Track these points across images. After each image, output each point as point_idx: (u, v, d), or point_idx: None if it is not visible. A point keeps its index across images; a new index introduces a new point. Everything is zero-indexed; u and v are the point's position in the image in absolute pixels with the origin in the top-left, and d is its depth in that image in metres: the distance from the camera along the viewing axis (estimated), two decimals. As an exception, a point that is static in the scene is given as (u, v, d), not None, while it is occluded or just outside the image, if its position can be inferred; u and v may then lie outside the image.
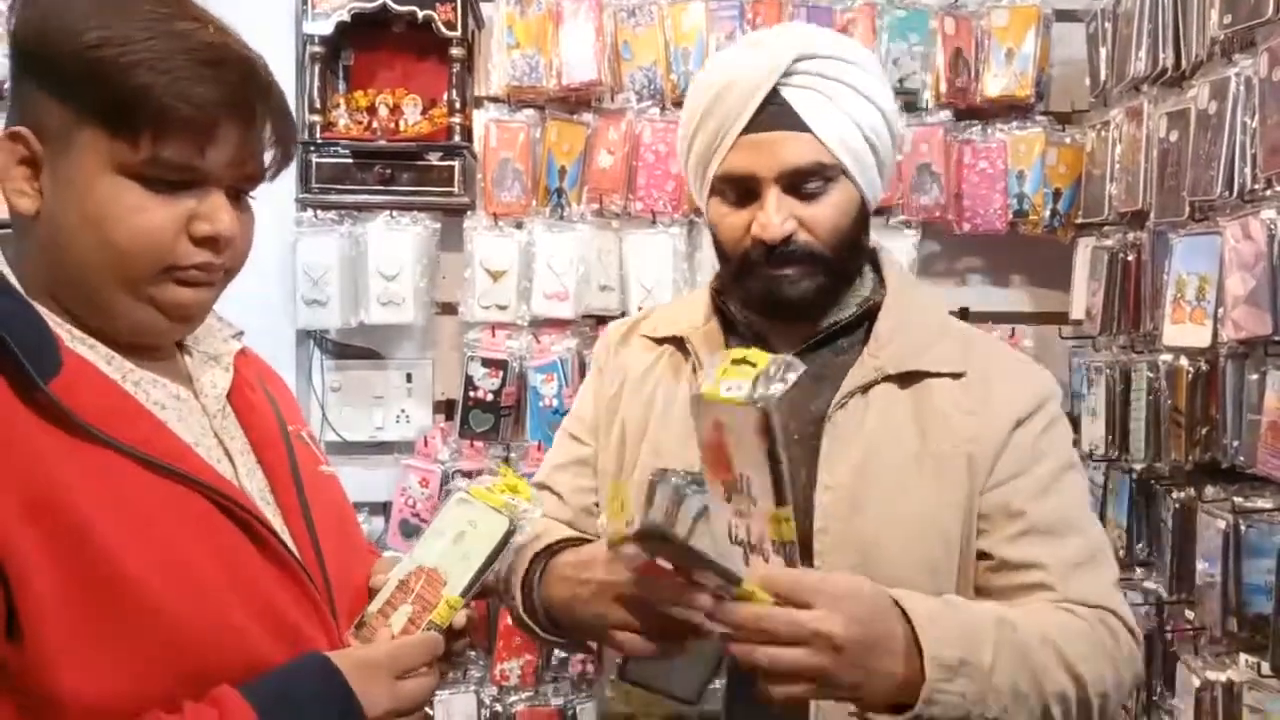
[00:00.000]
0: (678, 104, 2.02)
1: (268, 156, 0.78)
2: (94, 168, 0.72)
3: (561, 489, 1.14)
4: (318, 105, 2.02)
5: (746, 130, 0.95)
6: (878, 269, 1.08)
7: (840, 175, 0.96)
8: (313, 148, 2.02)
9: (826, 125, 0.94)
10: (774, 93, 0.94)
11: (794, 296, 0.98)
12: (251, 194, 0.81)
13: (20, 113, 0.74)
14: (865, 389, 0.99)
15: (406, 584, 0.83)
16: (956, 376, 0.99)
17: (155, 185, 0.73)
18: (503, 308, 2.05)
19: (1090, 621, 0.92)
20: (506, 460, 2.08)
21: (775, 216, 0.94)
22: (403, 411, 2.19)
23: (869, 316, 1.03)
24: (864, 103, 0.96)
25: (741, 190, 0.98)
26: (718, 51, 1.05)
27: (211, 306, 0.82)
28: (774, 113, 0.94)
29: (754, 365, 0.77)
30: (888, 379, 0.99)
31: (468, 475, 2.05)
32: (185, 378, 0.83)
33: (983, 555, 0.97)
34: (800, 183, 0.95)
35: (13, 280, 0.75)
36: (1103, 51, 1.95)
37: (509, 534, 0.84)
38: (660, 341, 1.11)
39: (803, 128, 0.94)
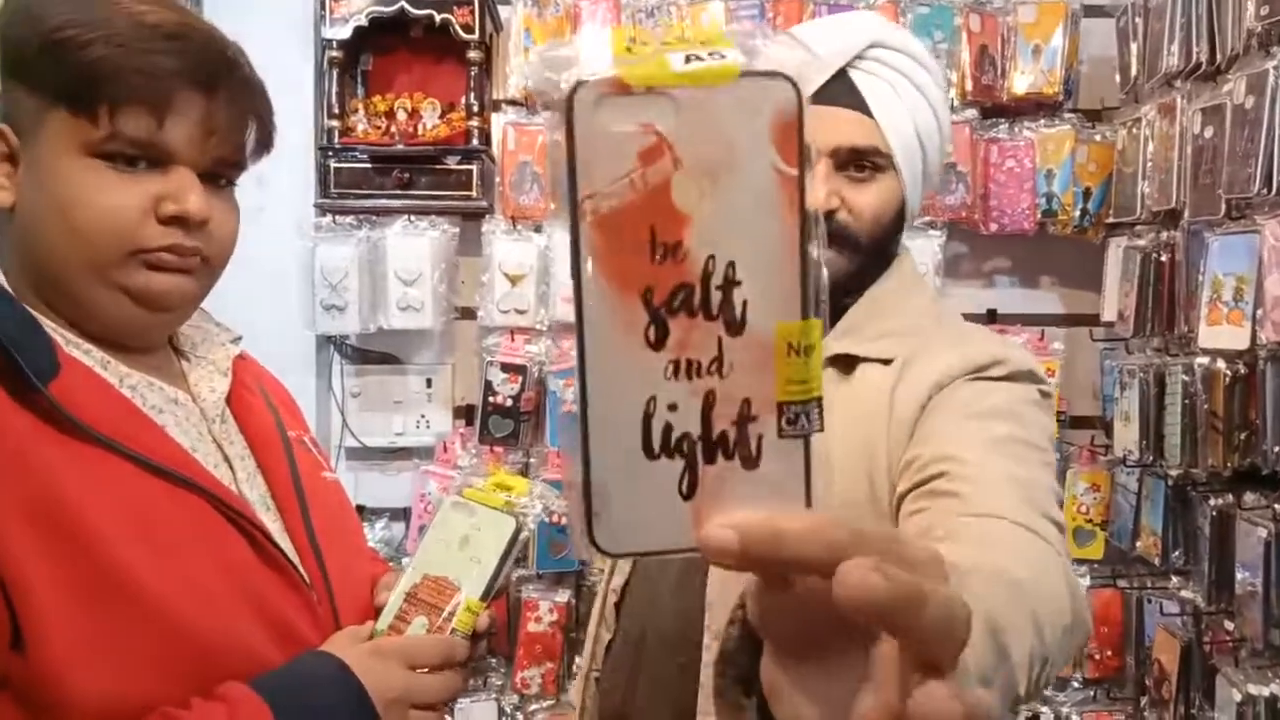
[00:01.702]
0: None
1: (244, 139, 0.77)
2: (60, 151, 0.71)
3: None
4: (336, 110, 2.02)
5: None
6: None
7: (890, 167, 0.96)
8: (331, 153, 2.02)
9: (887, 114, 0.95)
10: (842, 73, 0.95)
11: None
12: (233, 182, 0.80)
13: (3, 107, 0.74)
14: None
15: (415, 595, 0.81)
16: (886, 362, 0.94)
17: (118, 164, 0.72)
18: (521, 312, 2.04)
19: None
20: (526, 467, 2.07)
21: (822, 186, 0.94)
22: (423, 417, 2.18)
23: None
24: (924, 103, 0.97)
25: None
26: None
27: (195, 299, 0.80)
28: (839, 90, 0.95)
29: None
30: (827, 363, 0.92)
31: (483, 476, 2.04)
32: (183, 382, 0.82)
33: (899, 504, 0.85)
34: (851, 163, 0.95)
35: (3, 282, 0.75)
36: (1133, 46, 1.90)
37: (518, 532, 0.83)
38: None
39: (865, 110, 0.94)
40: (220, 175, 0.78)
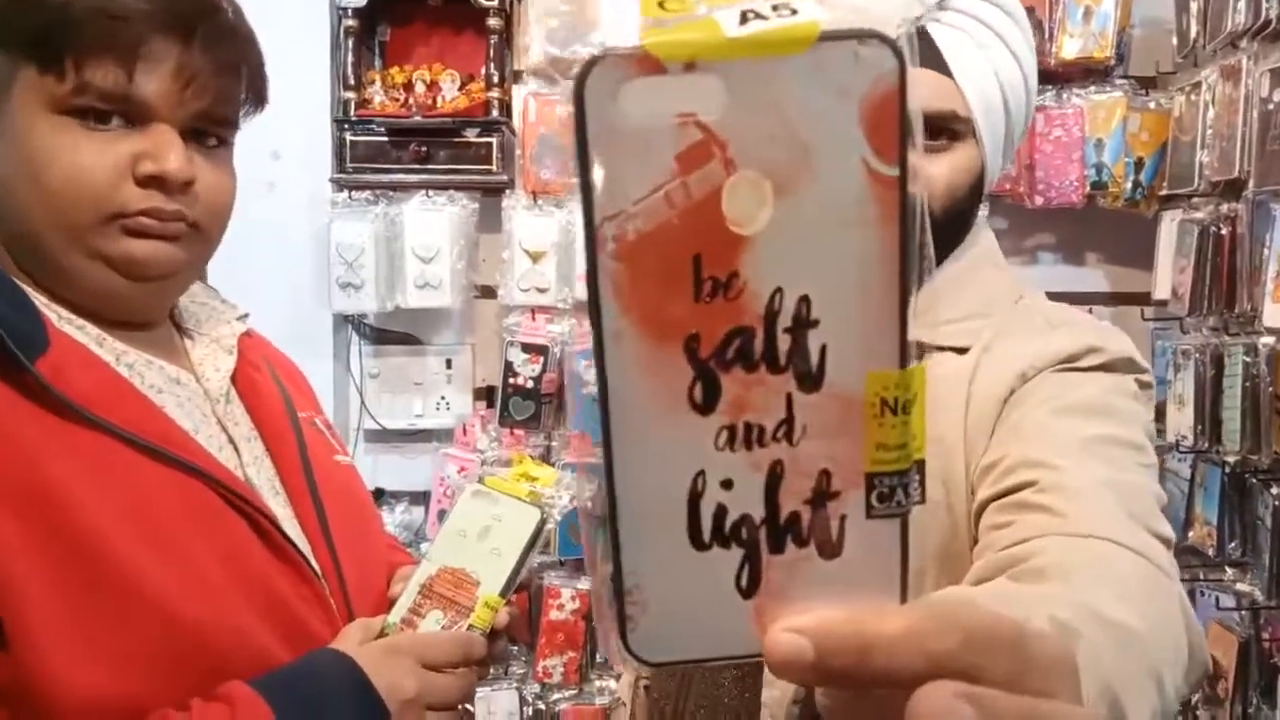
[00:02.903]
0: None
1: (231, 92, 0.72)
2: (30, 110, 0.67)
3: None
4: (352, 82, 1.97)
5: None
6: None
7: (969, 134, 0.86)
8: (347, 126, 1.97)
9: (970, 73, 0.84)
10: (920, 28, 0.84)
11: None
12: (226, 141, 0.75)
13: None
14: None
15: (430, 588, 0.78)
16: (961, 351, 0.85)
17: (90, 120, 0.67)
18: (543, 290, 1.98)
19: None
20: (549, 450, 2.01)
21: None
22: (443, 399, 2.13)
23: None
24: (1009, 57, 0.86)
25: None
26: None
27: (186, 267, 0.74)
28: (916, 46, 0.85)
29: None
30: None
31: (507, 466, 1.99)
32: (185, 361, 0.78)
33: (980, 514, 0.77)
34: (926, 130, 0.84)
35: None
36: (1193, 6, 1.80)
37: (541, 525, 0.79)
38: None
39: (945, 70, 0.84)
40: (208, 133, 0.72)
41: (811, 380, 0.28)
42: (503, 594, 0.77)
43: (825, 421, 0.28)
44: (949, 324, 0.88)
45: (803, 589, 0.29)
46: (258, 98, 0.75)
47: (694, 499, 0.28)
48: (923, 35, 0.85)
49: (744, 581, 0.29)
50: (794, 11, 0.26)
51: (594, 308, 0.28)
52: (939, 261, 0.90)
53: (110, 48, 0.65)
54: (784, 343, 0.27)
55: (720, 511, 0.28)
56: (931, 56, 0.84)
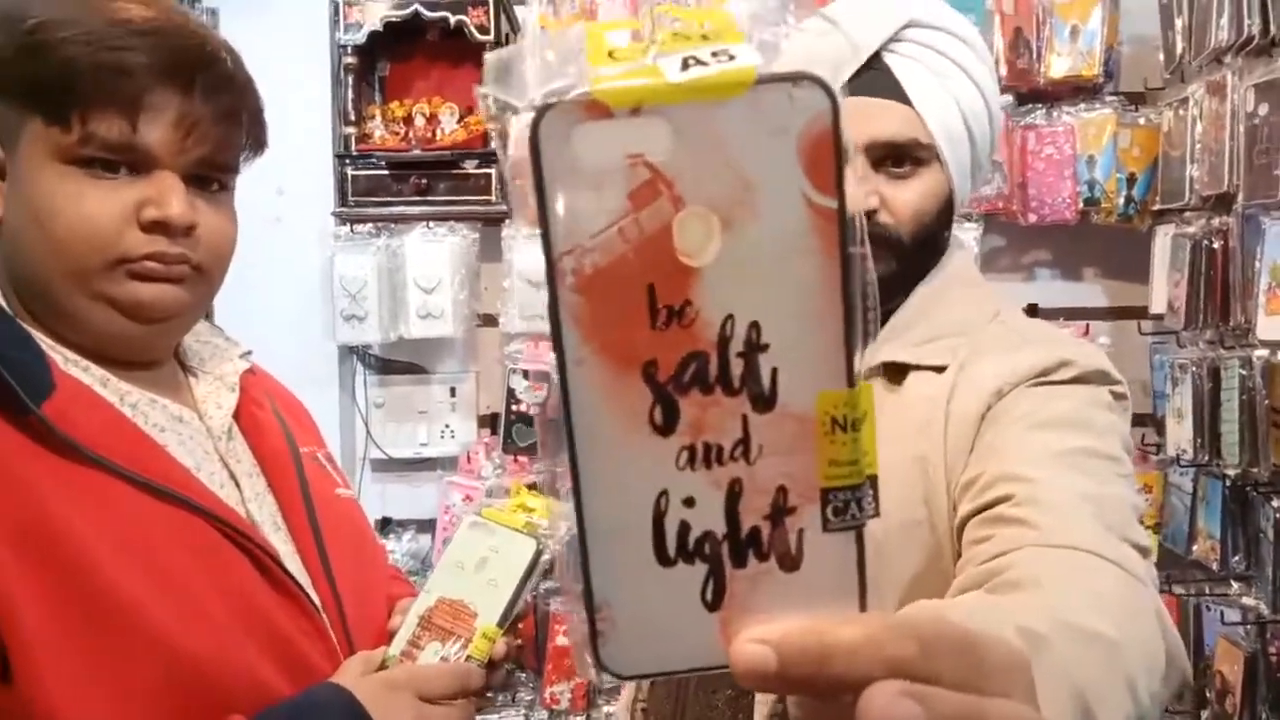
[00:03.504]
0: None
1: (231, 139, 0.74)
2: (37, 160, 0.69)
3: None
4: (353, 118, 2.00)
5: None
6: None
7: (933, 159, 0.88)
8: (348, 160, 2.00)
9: (929, 101, 0.87)
10: (877, 57, 0.87)
11: None
12: (227, 186, 0.76)
13: None
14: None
15: (429, 620, 0.78)
16: (939, 370, 0.87)
17: (95, 169, 0.69)
18: (544, 318, 1.99)
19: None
20: (553, 476, 2.02)
21: (860, 187, 0.87)
22: (447, 426, 2.15)
23: None
24: (970, 85, 0.88)
25: None
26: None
27: (189, 309, 0.76)
28: (874, 78, 0.87)
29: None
30: (874, 373, 0.89)
31: (508, 493, 2.00)
32: (189, 398, 0.80)
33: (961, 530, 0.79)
34: (890, 158, 0.88)
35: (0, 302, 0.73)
36: (1178, 22, 1.81)
37: (538, 555, 0.79)
38: None
39: (904, 99, 0.86)
40: (209, 179, 0.74)
41: (765, 401, 0.29)
42: (500, 624, 0.77)
43: (780, 440, 0.29)
44: (927, 344, 0.89)
45: (765, 601, 0.30)
46: (257, 143, 0.77)
47: (658, 517, 0.30)
48: (881, 67, 0.87)
49: (709, 595, 0.30)
50: (732, 57, 0.28)
51: (556, 337, 0.29)
52: (913, 284, 0.92)
53: (114, 100, 0.67)
54: (737, 366, 0.29)
55: (684, 528, 0.30)
56: (890, 87, 0.86)
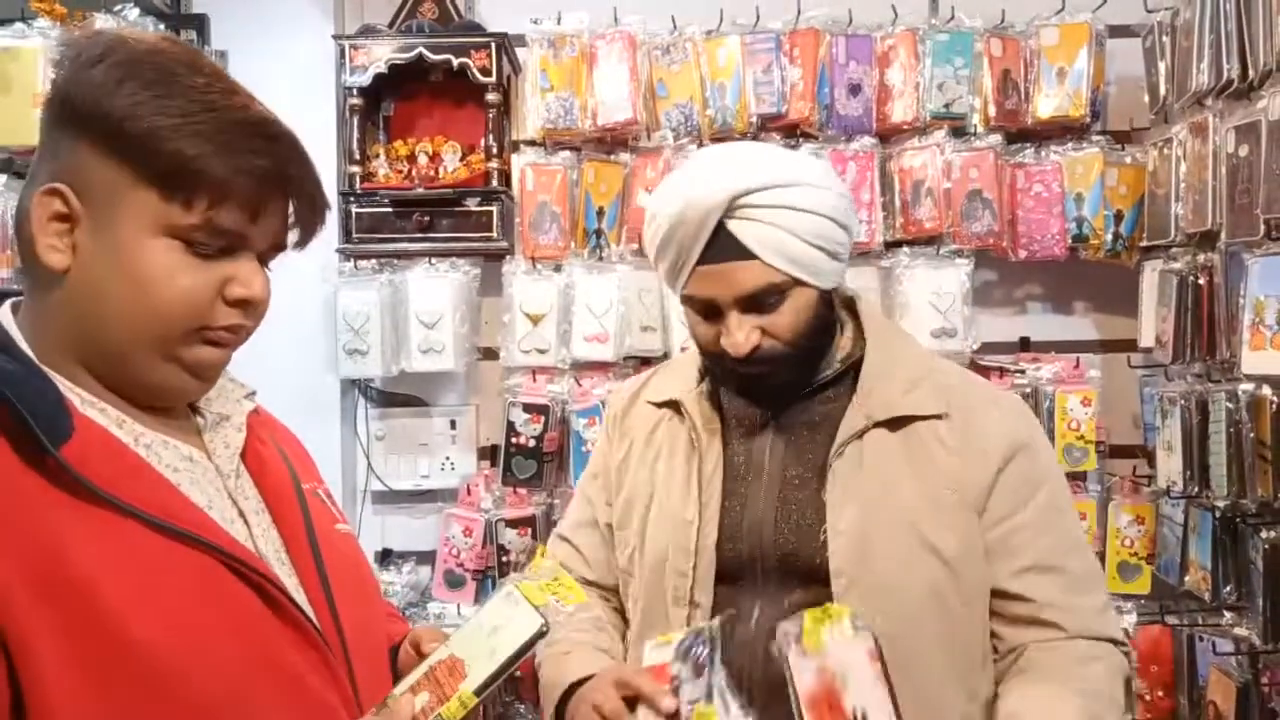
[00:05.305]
0: (715, 139, 1.98)
1: (312, 233, 0.80)
2: (140, 228, 0.72)
3: (583, 547, 1.23)
4: (357, 157, 2.04)
5: (701, 261, 1.05)
6: (857, 318, 1.14)
7: (793, 285, 1.04)
8: (352, 198, 2.03)
9: (771, 251, 1.02)
10: (720, 225, 1.02)
11: (772, 385, 1.09)
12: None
13: (56, 166, 0.74)
14: (860, 435, 1.08)
15: (434, 670, 0.81)
16: (940, 417, 1.07)
17: (199, 249, 0.74)
18: (543, 351, 2.03)
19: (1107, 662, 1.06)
20: (550, 508, 2.04)
21: (739, 334, 1.04)
22: (447, 459, 2.17)
23: (854, 368, 1.11)
24: (807, 217, 1.03)
25: (707, 309, 1.08)
26: (668, 178, 1.15)
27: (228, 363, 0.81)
28: (723, 243, 1.03)
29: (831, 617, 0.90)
30: (878, 425, 1.07)
31: (511, 525, 2.02)
32: (198, 439, 0.82)
33: (994, 590, 1.07)
34: (756, 302, 1.04)
35: (23, 345, 0.75)
36: (1161, 66, 1.86)
37: (539, 635, 0.81)
38: (660, 405, 1.19)
39: (750, 255, 1.02)
40: (270, 257, 0.80)
41: None
42: (477, 693, 0.79)
43: None
44: (911, 392, 1.07)
45: None
46: (313, 233, 0.82)
47: None
48: (726, 234, 1.03)
49: None
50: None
51: None
52: (817, 364, 1.11)
53: (242, 198, 0.73)
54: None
55: None
56: (736, 248, 1.02)
